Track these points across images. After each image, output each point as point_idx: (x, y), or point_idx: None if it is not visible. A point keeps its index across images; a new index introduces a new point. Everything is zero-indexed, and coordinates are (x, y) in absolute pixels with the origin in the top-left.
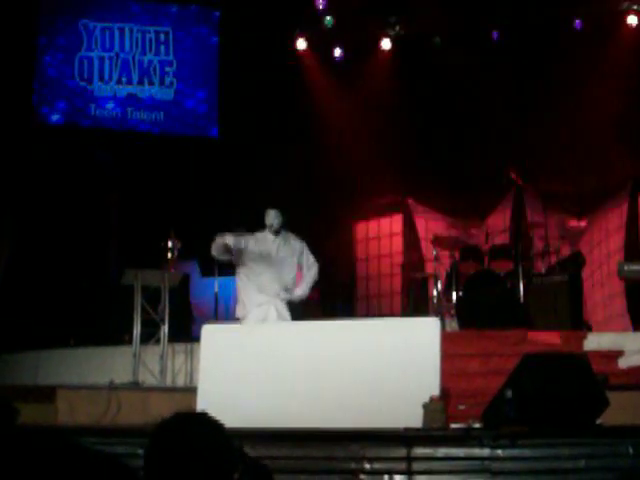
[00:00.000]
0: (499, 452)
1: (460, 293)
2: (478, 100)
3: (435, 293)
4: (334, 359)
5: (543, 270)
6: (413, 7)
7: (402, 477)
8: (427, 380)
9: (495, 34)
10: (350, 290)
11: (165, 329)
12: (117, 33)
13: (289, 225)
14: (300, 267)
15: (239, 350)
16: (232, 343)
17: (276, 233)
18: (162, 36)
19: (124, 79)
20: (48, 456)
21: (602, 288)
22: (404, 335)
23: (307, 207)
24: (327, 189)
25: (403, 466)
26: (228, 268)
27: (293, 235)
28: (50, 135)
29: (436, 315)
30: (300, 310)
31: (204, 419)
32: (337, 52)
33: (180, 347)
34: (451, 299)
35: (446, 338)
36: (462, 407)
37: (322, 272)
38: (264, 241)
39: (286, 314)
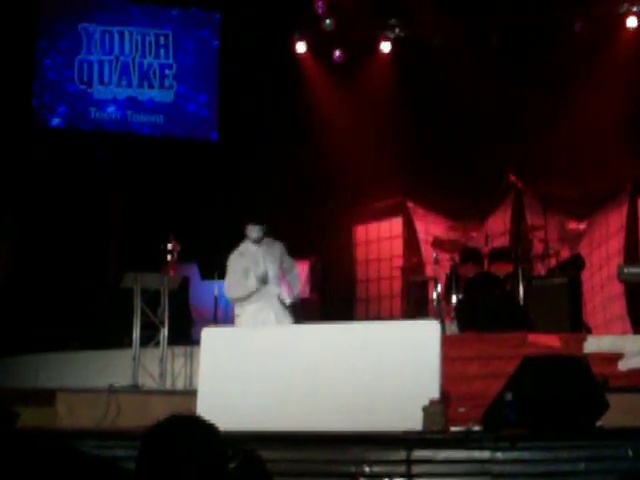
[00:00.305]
0: (499, 455)
1: (460, 296)
2: (477, 102)
3: (435, 296)
4: (334, 362)
5: (543, 272)
6: (412, 9)
7: None
8: (427, 383)
9: (495, 36)
10: (350, 293)
11: (165, 332)
12: (117, 36)
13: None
14: (282, 272)
15: (239, 353)
16: (232, 346)
17: (257, 242)
18: (162, 39)
19: (124, 82)
20: (44, 460)
21: (602, 290)
22: (404, 338)
23: (307, 210)
24: (327, 192)
25: (403, 469)
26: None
27: (271, 238)
28: (50, 138)
29: (436, 318)
30: (300, 313)
31: (197, 422)
32: (337, 54)
33: (180, 350)
34: (451, 302)
35: (446, 341)
36: (462, 410)
37: (322, 275)
38: (248, 252)
39: (285, 318)
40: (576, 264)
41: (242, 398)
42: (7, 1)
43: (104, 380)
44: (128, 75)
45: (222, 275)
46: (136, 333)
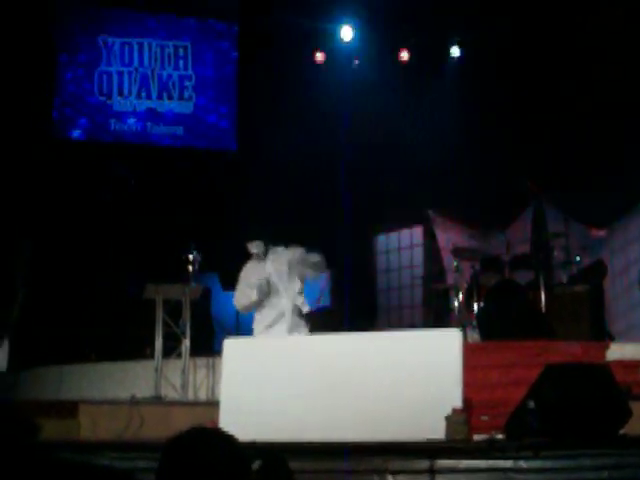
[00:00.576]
0: (522, 463)
1: (481, 304)
2: (496, 110)
3: (456, 304)
4: (356, 371)
5: (564, 280)
6: (431, 18)
7: None
8: (449, 392)
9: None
10: (371, 302)
11: (187, 343)
12: (136, 47)
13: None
14: (303, 276)
15: (261, 363)
16: (254, 356)
17: (262, 256)
18: (181, 50)
19: (143, 94)
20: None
21: (623, 298)
22: (426, 347)
23: (327, 220)
24: (347, 201)
25: (426, 478)
26: None
27: (282, 247)
28: (71, 150)
29: (458, 326)
30: (320, 323)
31: (218, 434)
32: (355, 64)
33: (202, 361)
34: (472, 310)
35: (468, 349)
36: (484, 418)
37: (343, 284)
38: (257, 265)
39: (299, 330)
40: (598, 271)
41: (264, 408)
42: (27, 17)
43: (126, 391)
44: (147, 87)
45: None
46: (158, 344)
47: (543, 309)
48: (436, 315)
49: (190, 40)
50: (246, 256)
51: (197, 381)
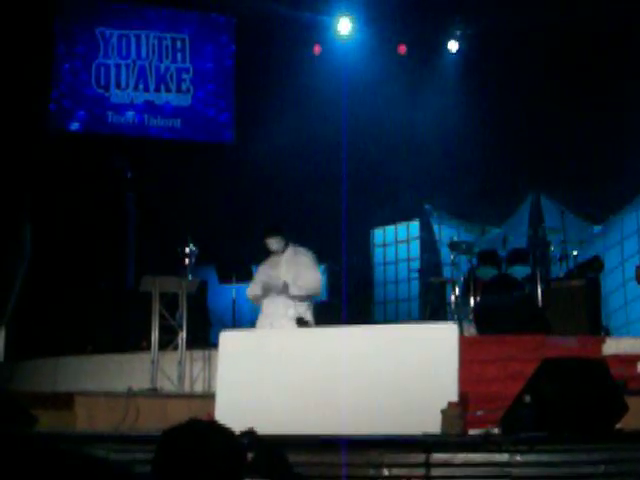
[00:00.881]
0: (518, 457)
1: (478, 298)
2: (494, 105)
3: (453, 298)
4: (352, 365)
5: (561, 275)
6: (429, 11)
7: None
8: (445, 386)
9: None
10: (368, 296)
11: (183, 335)
12: (134, 40)
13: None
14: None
15: (257, 356)
16: (250, 349)
17: (280, 252)
18: (179, 43)
19: (141, 86)
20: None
21: (619, 292)
22: (422, 341)
23: (325, 213)
24: (344, 194)
25: (422, 472)
26: (246, 275)
27: (302, 249)
28: (69, 142)
29: (454, 320)
30: (318, 316)
31: (213, 426)
32: (354, 57)
33: (198, 354)
34: (469, 304)
35: (464, 343)
36: (480, 413)
37: (340, 278)
38: (272, 261)
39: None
40: (595, 266)
41: (260, 401)
42: (25, 8)
43: (123, 383)
44: (145, 79)
45: (240, 278)
46: (154, 336)
47: (540, 303)
48: (433, 309)
49: (189, 33)
50: (243, 250)
51: (193, 374)
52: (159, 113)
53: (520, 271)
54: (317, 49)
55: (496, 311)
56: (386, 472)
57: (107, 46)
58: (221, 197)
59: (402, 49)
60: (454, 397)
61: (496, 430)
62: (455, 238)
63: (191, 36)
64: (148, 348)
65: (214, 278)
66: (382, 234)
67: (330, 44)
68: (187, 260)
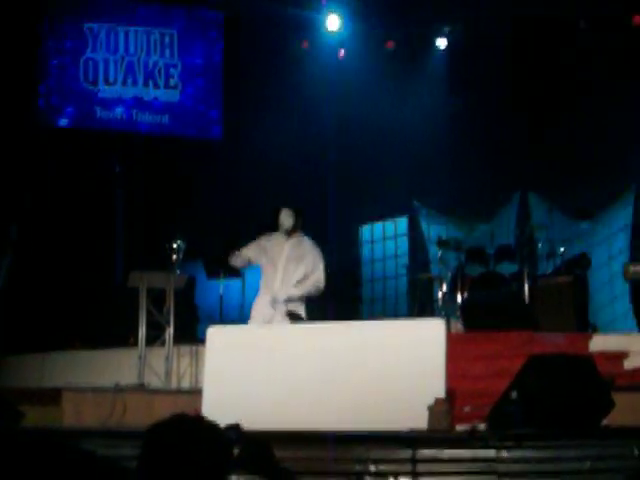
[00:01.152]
0: (505, 453)
1: (465, 294)
2: (482, 101)
3: (440, 295)
4: (339, 361)
5: (548, 271)
6: (418, 8)
7: (407, 479)
8: (432, 382)
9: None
10: (355, 292)
11: (170, 331)
12: (122, 35)
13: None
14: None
15: (244, 352)
16: (237, 345)
17: (288, 234)
18: (167, 38)
19: (129, 81)
20: (46, 458)
21: (607, 289)
22: (409, 336)
23: (312, 209)
24: (332, 191)
25: (408, 468)
26: (233, 271)
27: (310, 242)
28: (57, 138)
29: (441, 317)
30: (305, 312)
31: (199, 421)
32: (342, 53)
33: (185, 349)
34: (456, 300)
35: (451, 340)
36: (467, 409)
37: (327, 275)
38: (276, 242)
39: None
40: (582, 263)
41: (247, 397)
42: (12, 4)
43: (110, 379)
44: (134, 74)
45: (228, 274)
46: (142, 332)
47: (527, 300)
48: (420, 305)
49: (177, 28)
50: (231, 246)
51: (181, 369)
52: (147, 109)
53: (507, 268)
54: (306, 45)
55: (483, 308)
56: (372, 468)
57: (95, 41)
58: (209, 193)
59: (390, 44)
60: (441, 393)
61: (483, 426)
62: (443, 235)
63: (180, 32)
64: (135, 344)
65: (202, 274)
66: (370, 231)
67: (319, 40)
68: (175, 256)
